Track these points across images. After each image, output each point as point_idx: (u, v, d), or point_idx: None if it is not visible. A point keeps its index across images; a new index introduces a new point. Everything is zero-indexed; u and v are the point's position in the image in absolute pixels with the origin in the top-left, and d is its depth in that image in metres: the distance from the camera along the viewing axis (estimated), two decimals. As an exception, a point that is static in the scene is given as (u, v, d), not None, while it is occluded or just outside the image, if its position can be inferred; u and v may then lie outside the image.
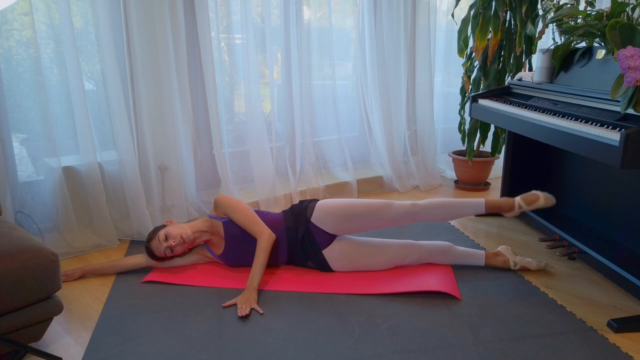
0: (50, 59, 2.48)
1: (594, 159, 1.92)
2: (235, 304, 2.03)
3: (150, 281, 2.24)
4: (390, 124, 3.62)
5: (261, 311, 1.97)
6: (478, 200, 2.25)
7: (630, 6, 2.27)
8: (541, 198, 2.22)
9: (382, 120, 3.59)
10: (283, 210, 2.35)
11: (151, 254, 2.25)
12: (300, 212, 2.28)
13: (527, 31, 3.22)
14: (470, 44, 3.43)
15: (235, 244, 2.27)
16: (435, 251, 2.30)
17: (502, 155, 3.56)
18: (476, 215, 2.29)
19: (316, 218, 2.23)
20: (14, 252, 1.61)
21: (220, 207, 2.27)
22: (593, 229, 2.53)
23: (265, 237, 2.16)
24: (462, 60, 3.54)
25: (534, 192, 2.26)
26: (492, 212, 2.26)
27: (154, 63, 2.68)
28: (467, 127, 3.53)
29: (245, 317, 1.94)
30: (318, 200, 2.32)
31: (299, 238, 2.25)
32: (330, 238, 2.25)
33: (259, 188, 3.17)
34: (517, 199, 2.24)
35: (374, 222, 2.22)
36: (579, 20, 2.46)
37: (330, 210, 2.22)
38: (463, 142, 3.60)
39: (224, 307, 2.00)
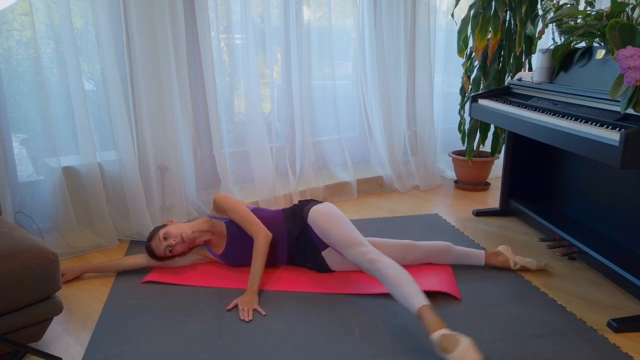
0: (50, 59, 2.48)
1: (594, 159, 1.92)
2: (237, 306, 2.03)
3: (150, 281, 2.24)
4: (390, 124, 3.62)
5: (264, 312, 1.97)
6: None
7: (630, 6, 2.27)
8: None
9: (382, 120, 3.59)
10: (283, 209, 2.35)
11: (151, 253, 2.25)
12: (299, 212, 2.28)
13: (527, 31, 3.22)
14: (470, 44, 3.43)
15: (236, 244, 2.27)
16: (435, 251, 2.30)
17: (502, 155, 3.56)
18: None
19: (312, 221, 2.24)
20: (14, 252, 1.60)
21: (219, 206, 2.27)
22: (593, 229, 2.53)
23: (261, 238, 2.16)
24: (462, 60, 3.54)
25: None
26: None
27: (154, 63, 2.68)
28: (467, 127, 3.53)
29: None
30: (316, 201, 2.31)
31: (298, 237, 2.25)
32: None
33: (259, 188, 3.17)
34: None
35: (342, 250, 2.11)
36: (578, 20, 2.46)
37: (318, 221, 2.19)
38: (463, 142, 3.60)
39: (227, 310, 2.00)
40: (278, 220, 2.29)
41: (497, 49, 3.32)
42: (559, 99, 2.40)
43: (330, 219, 2.17)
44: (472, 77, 3.50)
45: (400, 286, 1.83)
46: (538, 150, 2.99)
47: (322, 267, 2.28)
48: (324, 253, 2.25)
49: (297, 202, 2.34)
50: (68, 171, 2.59)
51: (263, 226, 2.21)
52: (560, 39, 2.67)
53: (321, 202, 2.31)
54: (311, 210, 2.24)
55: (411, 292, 1.81)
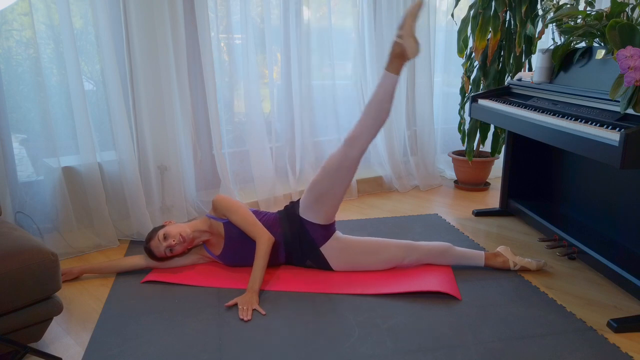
0: (49, 59, 2.48)
1: (593, 159, 1.92)
2: (236, 304, 2.03)
3: (150, 281, 2.24)
4: (390, 124, 3.62)
5: (263, 312, 1.97)
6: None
7: (630, 6, 2.27)
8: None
9: (382, 121, 3.58)
10: (278, 211, 2.35)
11: (151, 254, 2.24)
12: (291, 211, 2.30)
13: (527, 31, 3.22)
14: (470, 44, 3.44)
15: (234, 245, 2.27)
16: (435, 252, 2.30)
17: (502, 155, 3.56)
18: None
19: (303, 212, 2.25)
20: (14, 252, 1.60)
21: (219, 208, 2.27)
22: (593, 229, 2.53)
23: (264, 240, 2.16)
24: (462, 60, 3.54)
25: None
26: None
27: (154, 63, 2.68)
28: (467, 127, 3.53)
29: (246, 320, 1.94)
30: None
31: (295, 237, 2.26)
32: (326, 234, 2.25)
33: (258, 188, 3.17)
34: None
35: (332, 175, 2.17)
36: (578, 20, 2.46)
37: (306, 197, 2.25)
38: (463, 142, 3.60)
39: (227, 306, 2.00)
40: (274, 222, 2.29)
41: (497, 49, 3.32)
42: (559, 99, 2.40)
43: (309, 188, 2.23)
44: (472, 77, 3.50)
45: (369, 103, 2.13)
46: (538, 150, 3.00)
47: (322, 264, 2.29)
48: (323, 249, 2.25)
49: (288, 204, 2.35)
50: (68, 171, 2.59)
51: (265, 229, 2.21)
52: (560, 39, 2.67)
53: None
54: (300, 203, 2.28)
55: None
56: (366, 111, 2.13)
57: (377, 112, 2.12)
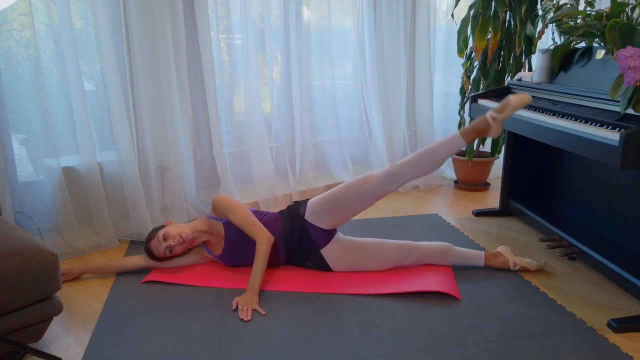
0: (49, 59, 2.48)
1: (593, 159, 1.92)
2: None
3: (150, 281, 2.24)
4: (389, 124, 3.62)
5: (263, 312, 1.97)
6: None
7: (630, 6, 2.27)
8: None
9: (382, 121, 3.59)
10: (280, 211, 2.35)
11: (150, 254, 2.24)
12: (295, 211, 2.29)
13: (527, 31, 3.22)
14: (470, 44, 3.44)
15: (235, 245, 2.27)
16: (435, 252, 2.30)
17: (502, 155, 3.56)
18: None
19: (309, 215, 2.24)
20: (14, 252, 1.60)
21: (218, 208, 2.27)
22: (593, 229, 2.53)
23: (264, 240, 2.16)
24: (462, 60, 3.54)
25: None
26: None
27: (154, 63, 2.68)
28: (466, 127, 3.53)
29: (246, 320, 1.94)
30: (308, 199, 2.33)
31: (295, 237, 2.25)
32: (328, 236, 2.25)
33: (258, 188, 3.17)
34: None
35: (357, 197, 2.18)
36: (578, 20, 2.47)
37: (318, 203, 2.24)
38: (463, 142, 3.60)
39: (234, 310, 2.00)
40: (275, 222, 2.29)
41: (497, 49, 3.32)
42: (559, 99, 2.40)
43: (325, 195, 2.24)
44: (472, 77, 3.50)
45: (428, 151, 2.14)
46: (538, 150, 3.00)
47: (322, 266, 2.29)
48: (323, 251, 2.25)
49: (292, 204, 2.35)
50: (68, 171, 2.59)
51: (265, 229, 2.21)
52: (560, 39, 2.67)
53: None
54: (307, 205, 2.26)
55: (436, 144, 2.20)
56: (420, 156, 2.14)
57: (432, 163, 2.15)
